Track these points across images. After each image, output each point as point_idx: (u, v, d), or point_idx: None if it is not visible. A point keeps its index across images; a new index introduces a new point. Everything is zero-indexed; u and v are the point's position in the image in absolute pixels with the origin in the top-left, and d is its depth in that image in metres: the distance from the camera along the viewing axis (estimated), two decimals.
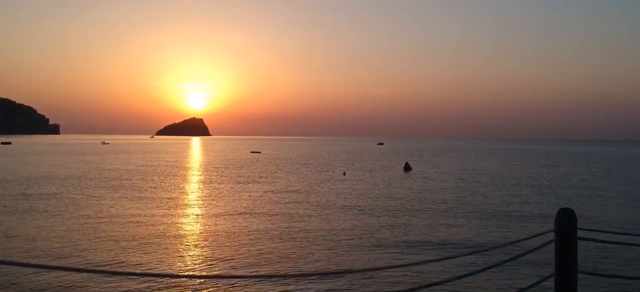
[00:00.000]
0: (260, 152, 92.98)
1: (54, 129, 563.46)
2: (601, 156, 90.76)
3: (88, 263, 12.18)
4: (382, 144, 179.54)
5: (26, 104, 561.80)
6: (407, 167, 49.02)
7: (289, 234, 16.01)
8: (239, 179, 36.69)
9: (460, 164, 58.23)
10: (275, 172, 44.02)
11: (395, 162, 61.43)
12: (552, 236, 4.19)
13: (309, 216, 19.67)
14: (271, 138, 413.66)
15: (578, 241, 4.27)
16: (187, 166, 53.23)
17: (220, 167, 49.88)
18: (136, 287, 9.97)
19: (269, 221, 18.62)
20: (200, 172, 43.22)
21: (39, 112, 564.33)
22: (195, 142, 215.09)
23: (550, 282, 4.19)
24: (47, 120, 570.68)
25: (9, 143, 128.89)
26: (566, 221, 4.22)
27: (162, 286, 10.07)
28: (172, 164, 55.71)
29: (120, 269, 11.42)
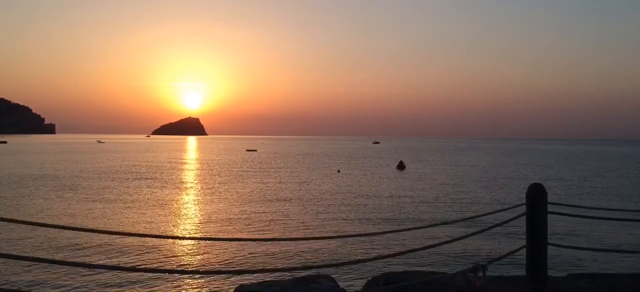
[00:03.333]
0: (255, 151, 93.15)
1: (50, 129, 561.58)
2: (604, 154, 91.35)
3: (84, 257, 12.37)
4: (378, 143, 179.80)
5: (21, 103, 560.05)
6: (401, 166, 49.25)
7: (276, 223, 16.26)
8: (232, 175, 36.83)
9: (455, 162, 58.49)
10: (269, 169, 44.16)
11: (390, 160, 61.64)
12: (524, 209, 4.43)
13: (300, 207, 19.90)
14: (268, 137, 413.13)
15: (548, 214, 4.51)
16: (183, 163, 53.28)
17: (214, 165, 49.99)
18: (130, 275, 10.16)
19: (255, 212, 18.84)
20: (195, 169, 43.31)
21: (34, 111, 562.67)
22: (191, 141, 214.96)
23: (522, 253, 4.43)
24: (43, 119, 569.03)
25: (5, 142, 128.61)
26: (537, 195, 4.46)
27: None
28: (168, 161, 55.77)
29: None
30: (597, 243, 8.14)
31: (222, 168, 45.88)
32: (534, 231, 4.42)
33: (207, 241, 11.21)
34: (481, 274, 4.14)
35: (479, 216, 4.15)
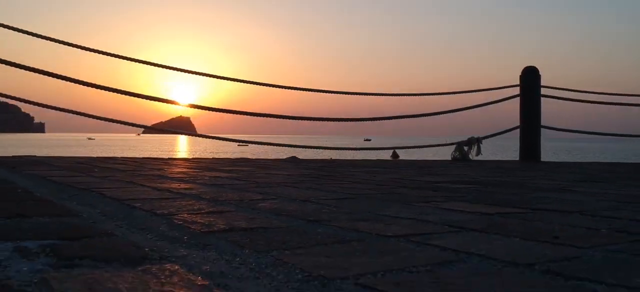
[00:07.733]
0: (247, 145, 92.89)
1: (39, 128, 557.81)
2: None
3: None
4: (369, 140, 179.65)
5: (10, 102, 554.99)
6: (395, 155, 49.23)
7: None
8: (222, 160, 36.71)
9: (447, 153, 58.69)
10: (260, 157, 44.11)
11: (383, 152, 61.79)
12: (518, 90, 4.49)
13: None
14: (260, 135, 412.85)
15: (542, 98, 4.57)
16: (175, 152, 53.31)
17: (204, 152, 49.94)
18: None
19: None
20: (185, 152, 43.29)
21: (23, 110, 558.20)
22: (182, 139, 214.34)
23: (516, 134, 4.48)
24: (32, 118, 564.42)
25: None
26: (531, 76, 4.52)
27: None
28: (160, 150, 55.68)
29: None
30: (592, 126, 8.23)
31: (211, 155, 45.92)
32: (527, 112, 4.47)
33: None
34: (475, 147, 4.19)
35: (472, 91, 4.18)
